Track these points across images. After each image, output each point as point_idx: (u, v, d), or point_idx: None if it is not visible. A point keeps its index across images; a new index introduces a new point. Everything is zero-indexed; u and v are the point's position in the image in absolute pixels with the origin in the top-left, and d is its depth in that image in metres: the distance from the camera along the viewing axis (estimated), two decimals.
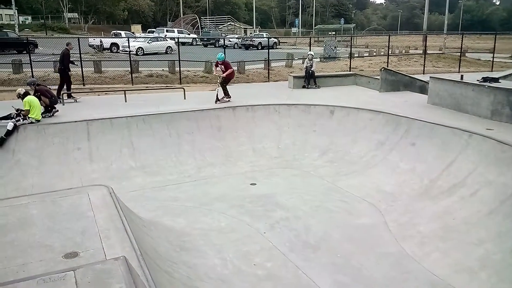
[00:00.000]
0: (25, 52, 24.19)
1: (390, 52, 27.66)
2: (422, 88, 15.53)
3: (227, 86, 14.06)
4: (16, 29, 45.18)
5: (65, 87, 14.52)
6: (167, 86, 15.28)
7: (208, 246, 7.21)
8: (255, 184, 10.11)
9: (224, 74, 13.58)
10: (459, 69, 24.36)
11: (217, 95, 13.41)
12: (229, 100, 13.61)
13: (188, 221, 8.12)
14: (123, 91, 14.43)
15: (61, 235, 4.97)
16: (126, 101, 13.86)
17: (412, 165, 9.74)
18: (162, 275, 4.98)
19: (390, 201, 8.87)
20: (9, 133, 10.20)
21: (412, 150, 10.14)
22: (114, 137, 11.02)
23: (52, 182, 9.34)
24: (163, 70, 21.05)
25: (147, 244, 5.54)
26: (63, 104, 13.45)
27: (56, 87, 14.49)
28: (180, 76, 19.57)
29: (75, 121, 10.97)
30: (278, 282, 6.33)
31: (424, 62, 25.00)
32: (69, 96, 14.46)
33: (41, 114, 10.94)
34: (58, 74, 15.01)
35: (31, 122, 10.62)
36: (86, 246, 4.71)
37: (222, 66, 13.73)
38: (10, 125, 10.21)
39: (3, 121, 10.50)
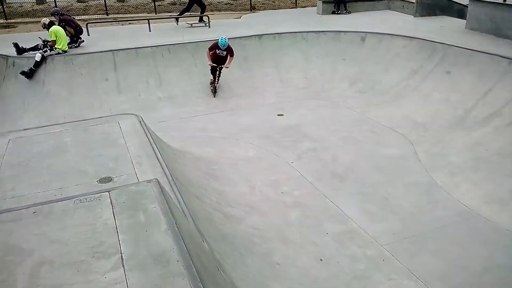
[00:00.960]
0: None
1: None
2: (460, 12, 14.51)
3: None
4: None
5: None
6: (190, 15, 14.81)
7: (237, 174, 7.33)
8: (282, 115, 10.02)
9: (229, 65, 10.71)
10: None
11: (215, 86, 10.99)
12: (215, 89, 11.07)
13: (216, 151, 8.21)
14: (146, 20, 14.10)
15: (95, 161, 5.10)
16: (150, 31, 13.59)
17: (446, 95, 9.36)
18: (193, 200, 5.12)
19: (421, 132, 8.66)
20: (37, 64, 10.26)
21: (447, 79, 9.70)
22: (140, 67, 10.96)
23: (82, 112, 9.50)
24: None
25: (178, 171, 5.66)
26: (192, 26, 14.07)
27: (81, 17, 14.29)
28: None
29: (101, 52, 10.89)
30: (306, 209, 6.44)
31: None
32: (201, 19, 14.46)
33: (68, 45, 10.89)
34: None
35: (58, 53, 10.61)
36: (120, 171, 4.83)
37: (224, 52, 10.62)
38: (38, 56, 10.24)
39: (31, 52, 10.53)
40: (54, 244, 2.80)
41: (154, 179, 3.57)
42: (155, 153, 5.35)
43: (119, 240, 2.78)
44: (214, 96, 10.93)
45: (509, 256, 5.42)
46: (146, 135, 5.88)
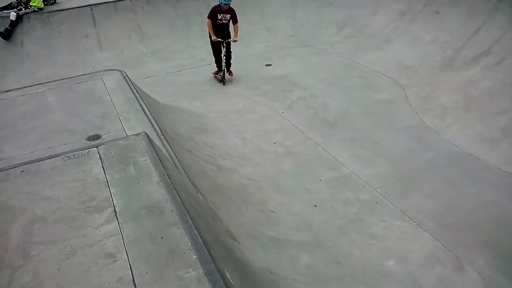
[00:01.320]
0: None
1: None
2: None
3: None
4: None
5: None
6: None
7: (227, 127, 7.27)
8: (270, 65, 9.82)
9: (237, 37, 8.62)
10: None
11: (224, 72, 8.91)
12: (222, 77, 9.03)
13: (205, 104, 8.09)
14: None
15: (81, 120, 4.99)
16: None
17: (435, 36, 9.19)
18: (184, 153, 5.09)
19: (411, 75, 8.57)
20: (13, 24, 9.83)
21: (436, 19, 9.48)
22: (120, 22, 10.57)
23: (65, 71, 9.20)
24: None
25: (167, 125, 5.58)
26: None
27: None
28: None
29: (79, 7, 10.43)
30: (298, 158, 6.45)
31: None
32: None
33: (43, 2, 10.39)
34: None
35: (34, 11, 10.15)
36: (107, 128, 4.74)
37: (227, 16, 8.50)
38: (13, 15, 9.78)
39: (4, 11, 10.05)
40: (45, 201, 2.76)
41: (143, 132, 3.50)
42: (142, 108, 5.24)
43: (111, 194, 2.75)
44: (224, 84, 8.86)
45: (499, 193, 5.51)
46: (132, 91, 5.74)
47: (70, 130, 4.78)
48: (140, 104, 5.32)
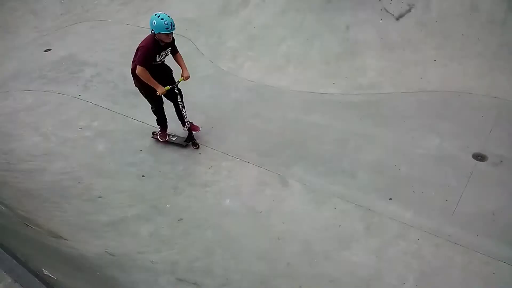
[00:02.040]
0: None
1: None
2: None
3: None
4: None
5: None
6: None
7: (20, 127, 6.45)
8: (50, 49, 8.85)
9: (187, 71, 5.52)
10: None
11: (190, 131, 5.80)
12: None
13: None
14: None
15: None
16: None
17: None
18: None
19: (196, 27, 8.78)
20: None
21: None
22: None
23: None
24: None
25: None
26: None
27: None
28: None
29: None
30: (111, 135, 6.20)
31: None
32: None
33: None
34: None
35: None
36: None
37: (168, 50, 5.43)
38: None
39: None
40: None
41: None
42: None
43: None
44: (198, 147, 5.77)
45: (297, 110, 6.25)
46: None
47: None
48: None
